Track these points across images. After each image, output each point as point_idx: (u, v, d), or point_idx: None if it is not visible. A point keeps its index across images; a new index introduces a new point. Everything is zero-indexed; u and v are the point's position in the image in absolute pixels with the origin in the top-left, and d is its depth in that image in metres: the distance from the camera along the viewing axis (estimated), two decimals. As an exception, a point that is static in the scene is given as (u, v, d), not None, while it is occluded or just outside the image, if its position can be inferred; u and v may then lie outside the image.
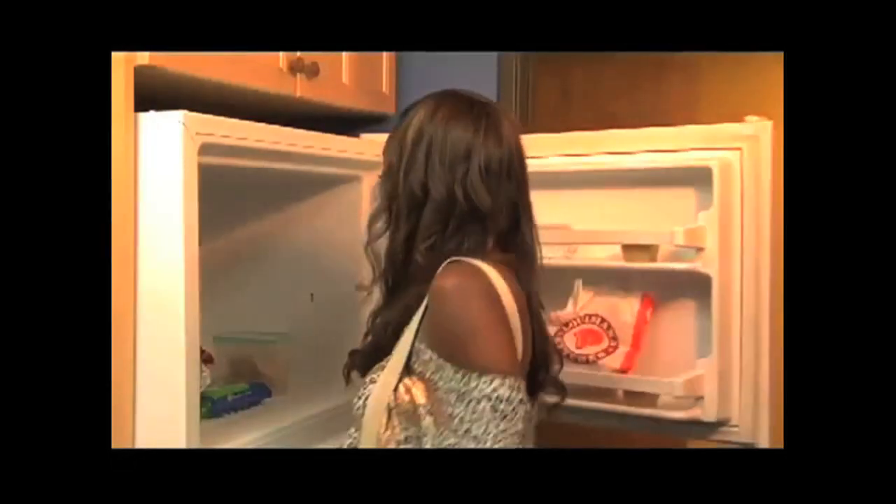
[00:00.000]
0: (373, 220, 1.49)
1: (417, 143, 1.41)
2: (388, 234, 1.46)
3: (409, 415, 1.34)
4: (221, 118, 1.51)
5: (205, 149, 1.46)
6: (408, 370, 1.37)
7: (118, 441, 1.39)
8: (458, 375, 1.29)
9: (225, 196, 1.77)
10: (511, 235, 1.43)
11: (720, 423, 1.78)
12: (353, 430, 1.42)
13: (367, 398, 1.38)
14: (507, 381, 1.28)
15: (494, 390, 1.27)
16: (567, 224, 1.92)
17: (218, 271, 1.91)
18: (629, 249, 1.84)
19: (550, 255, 1.73)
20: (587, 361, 1.83)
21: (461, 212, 1.38)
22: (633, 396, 1.84)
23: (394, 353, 1.38)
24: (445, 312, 1.32)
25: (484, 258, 1.37)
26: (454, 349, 1.31)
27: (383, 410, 1.36)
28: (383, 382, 1.37)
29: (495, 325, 1.32)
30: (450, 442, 1.29)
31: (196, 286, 1.45)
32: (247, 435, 1.66)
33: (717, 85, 4.12)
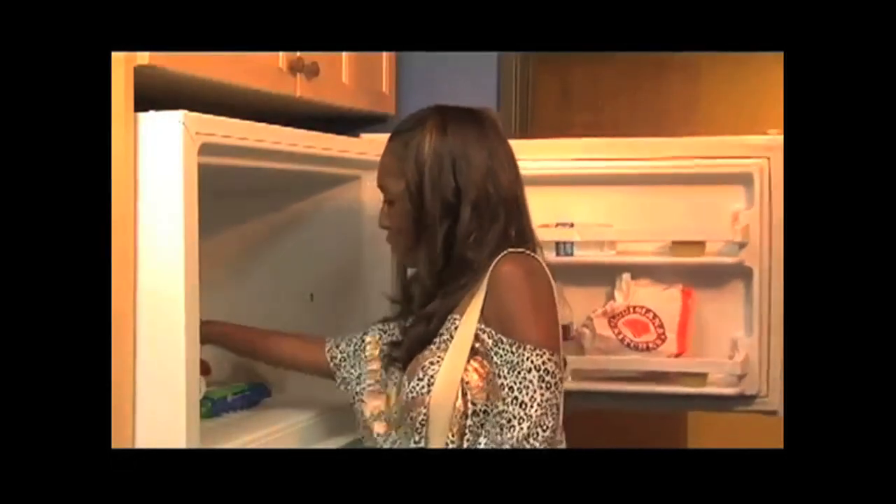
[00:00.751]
0: (394, 244, 1.62)
1: (440, 158, 1.52)
2: (415, 245, 1.56)
3: (478, 391, 1.46)
4: (222, 118, 1.51)
5: (205, 149, 1.46)
6: (472, 351, 1.48)
7: (118, 441, 1.38)
8: (513, 348, 1.43)
9: (225, 195, 1.77)
10: (524, 227, 1.57)
11: (755, 396, 1.99)
12: (412, 412, 1.49)
13: (430, 379, 1.47)
14: (555, 357, 1.44)
15: (543, 363, 1.42)
16: (608, 222, 2.08)
17: (217, 271, 1.90)
18: (679, 245, 2.02)
19: (591, 252, 2.05)
20: (647, 349, 2.00)
21: (493, 203, 1.52)
22: (682, 379, 2.03)
23: (456, 336, 1.50)
24: (509, 292, 1.46)
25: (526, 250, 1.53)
26: (513, 324, 1.45)
27: (456, 386, 1.46)
28: (451, 363, 1.48)
29: (549, 306, 1.49)
30: (498, 409, 1.43)
31: (196, 286, 1.45)
32: (247, 435, 1.66)
33: (717, 85, 4.12)
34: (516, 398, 1.42)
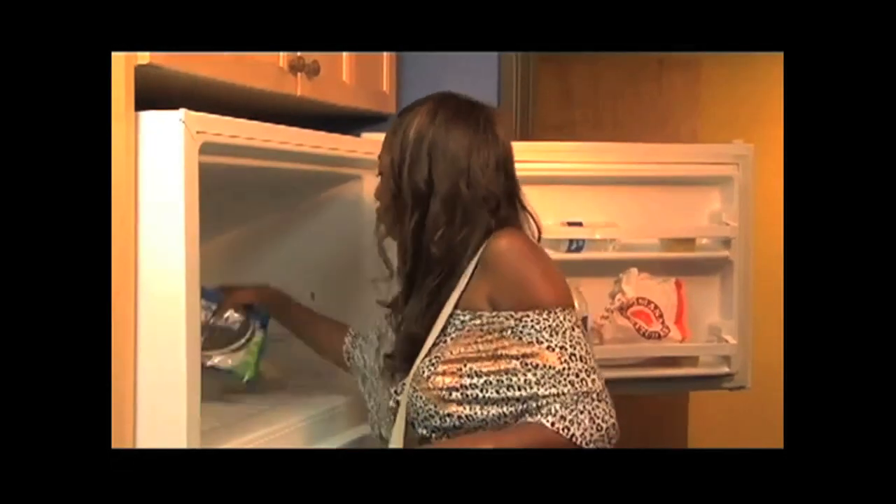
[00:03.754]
0: (379, 219, 1.60)
1: (419, 143, 1.51)
2: (394, 229, 1.56)
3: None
4: (223, 117, 1.51)
5: (206, 148, 1.45)
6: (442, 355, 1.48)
7: (118, 441, 1.38)
8: (545, 314, 1.43)
9: (225, 195, 1.77)
10: (512, 223, 1.55)
11: (733, 374, 2.24)
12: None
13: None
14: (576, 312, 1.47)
15: (576, 319, 1.45)
16: (606, 220, 2.21)
17: (218, 270, 1.90)
18: (673, 241, 2.22)
19: (597, 249, 2.17)
20: (659, 337, 2.16)
21: (466, 202, 1.49)
22: (681, 361, 2.23)
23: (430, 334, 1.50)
24: (517, 266, 1.47)
25: None
26: (535, 293, 1.45)
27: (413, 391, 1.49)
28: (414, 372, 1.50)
29: (553, 268, 1.51)
30: (558, 368, 1.40)
31: (197, 286, 1.45)
32: (247, 435, 1.65)
33: (717, 85, 4.13)
34: (573, 355, 1.41)
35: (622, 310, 2.17)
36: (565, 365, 1.40)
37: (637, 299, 2.16)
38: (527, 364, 1.41)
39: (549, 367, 1.40)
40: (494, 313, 1.46)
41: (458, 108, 1.54)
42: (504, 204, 1.54)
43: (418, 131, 1.51)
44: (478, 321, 1.47)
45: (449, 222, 1.49)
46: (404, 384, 1.53)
